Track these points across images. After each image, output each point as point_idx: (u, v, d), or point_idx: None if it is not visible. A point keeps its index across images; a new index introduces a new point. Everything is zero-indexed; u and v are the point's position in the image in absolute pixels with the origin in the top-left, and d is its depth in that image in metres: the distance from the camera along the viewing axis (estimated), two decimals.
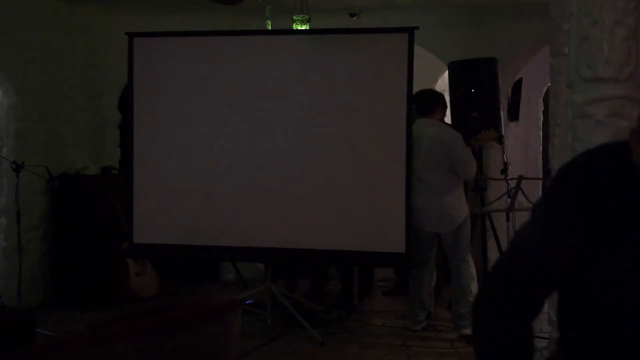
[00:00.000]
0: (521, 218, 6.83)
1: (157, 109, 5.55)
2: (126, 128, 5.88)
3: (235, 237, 5.41)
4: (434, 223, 5.15)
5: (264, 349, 4.91)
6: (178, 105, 5.49)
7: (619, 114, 2.98)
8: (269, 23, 5.92)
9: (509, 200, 5.17)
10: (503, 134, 6.20)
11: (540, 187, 6.83)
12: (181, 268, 6.70)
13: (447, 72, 6.81)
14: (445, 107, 5.60)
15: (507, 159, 6.09)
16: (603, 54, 2.97)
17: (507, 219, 5.20)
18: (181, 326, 2.77)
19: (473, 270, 5.27)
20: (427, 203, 5.11)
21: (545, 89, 7.00)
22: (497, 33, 6.75)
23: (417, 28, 5.12)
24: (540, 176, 6.84)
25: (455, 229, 5.12)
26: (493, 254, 6.43)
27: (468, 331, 4.99)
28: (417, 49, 5.40)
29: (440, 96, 5.46)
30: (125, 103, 6.00)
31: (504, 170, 5.93)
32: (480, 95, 6.23)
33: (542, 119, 7.53)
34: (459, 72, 6.40)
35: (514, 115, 6.59)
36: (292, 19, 5.59)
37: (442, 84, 8.30)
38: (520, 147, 7.39)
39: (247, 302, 5.69)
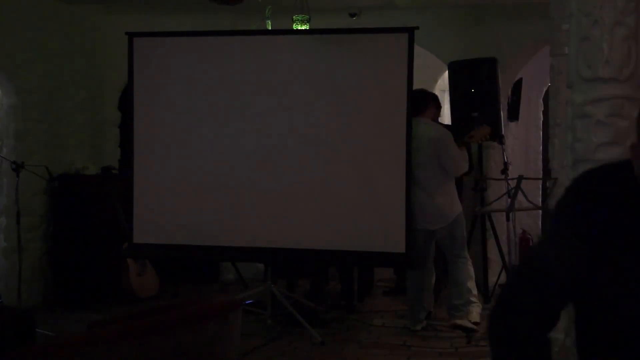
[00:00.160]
0: (521, 218, 6.85)
1: (157, 109, 5.55)
2: (126, 128, 5.88)
3: (235, 237, 5.42)
4: (427, 220, 5.18)
5: (264, 349, 4.91)
6: (178, 105, 5.49)
7: (619, 114, 2.99)
8: (269, 23, 5.92)
9: (509, 200, 5.16)
10: (503, 133, 6.20)
11: (540, 187, 6.84)
12: (181, 268, 6.70)
13: (447, 72, 6.81)
14: (439, 107, 5.62)
15: (507, 159, 6.09)
16: (603, 54, 2.97)
17: (507, 219, 5.20)
18: (181, 326, 2.77)
19: (470, 267, 5.32)
20: (419, 201, 5.14)
21: (545, 89, 7.00)
22: (497, 33, 6.75)
23: (417, 28, 5.12)
24: (540, 176, 6.84)
25: (448, 225, 5.17)
26: (493, 254, 6.44)
27: (461, 321, 5.20)
28: (417, 49, 5.40)
29: (432, 96, 5.50)
30: (125, 103, 6.00)
31: (504, 170, 5.93)
32: (480, 95, 6.24)
33: (542, 119, 7.52)
34: (459, 72, 6.40)
35: (514, 115, 6.60)
36: (292, 19, 5.60)
37: (442, 84, 8.30)
38: (520, 147, 7.39)
39: (247, 302, 5.69)
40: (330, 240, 5.27)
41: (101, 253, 6.29)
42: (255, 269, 7.06)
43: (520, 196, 5.14)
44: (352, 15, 6.90)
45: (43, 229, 6.40)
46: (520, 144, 7.41)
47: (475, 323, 5.36)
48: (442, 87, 8.58)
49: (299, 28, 5.59)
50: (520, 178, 5.12)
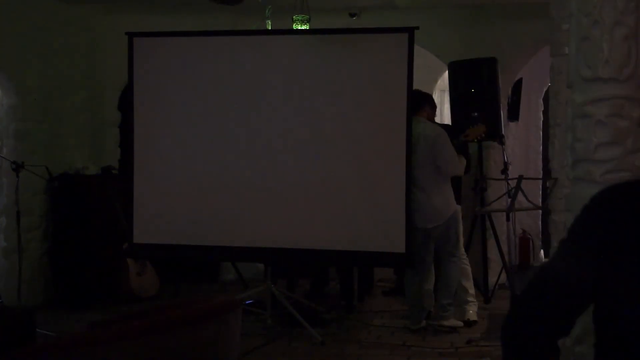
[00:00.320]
0: (521, 218, 6.86)
1: (157, 109, 5.54)
2: (126, 128, 5.88)
3: (235, 237, 5.41)
4: (422, 219, 5.18)
5: (264, 349, 4.91)
6: (178, 105, 5.49)
7: (619, 114, 2.98)
8: (269, 23, 5.92)
9: (509, 200, 5.16)
10: (503, 133, 6.20)
11: (540, 187, 6.85)
12: (181, 268, 6.70)
13: (447, 72, 6.81)
14: (434, 107, 5.62)
15: (507, 159, 6.09)
16: (603, 54, 2.97)
17: (507, 219, 5.19)
18: (181, 326, 2.77)
19: (466, 267, 5.34)
20: (414, 200, 5.14)
21: (545, 89, 7.01)
22: (497, 33, 6.76)
23: (417, 28, 5.12)
24: (540, 176, 6.84)
25: (443, 223, 5.18)
26: (493, 254, 6.44)
27: (447, 322, 5.24)
28: (417, 49, 5.41)
29: (426, 96, 5.52)
30: (125, 103, 6.00)
31: (504, 170, 5.93)
32: (480, 95, 6.23)
33: (542, 119, 7.53)
34: (459, 72, 6.40)
35: (514, 115, 6.60)
36: (292, 19, 5.60)
37: (442, 84, 8.31)
38: (520, 147, 7.40)
39: (247, 302, 5.69)
40: (330, 240, 5.26)
41: (101, 253, 6.29)
42: (255, 269, 7.06)
43: (520, 196, 5.13)
44: (352, 15, 6.90)
45: (43, 229, 6.40)
46: (520, 144, 7.42)
47: (472, 322, 5.37)
48: (442, 87, 8.59)
49: (299, 28, 5.59)
50: (520, 178, 5.11)
